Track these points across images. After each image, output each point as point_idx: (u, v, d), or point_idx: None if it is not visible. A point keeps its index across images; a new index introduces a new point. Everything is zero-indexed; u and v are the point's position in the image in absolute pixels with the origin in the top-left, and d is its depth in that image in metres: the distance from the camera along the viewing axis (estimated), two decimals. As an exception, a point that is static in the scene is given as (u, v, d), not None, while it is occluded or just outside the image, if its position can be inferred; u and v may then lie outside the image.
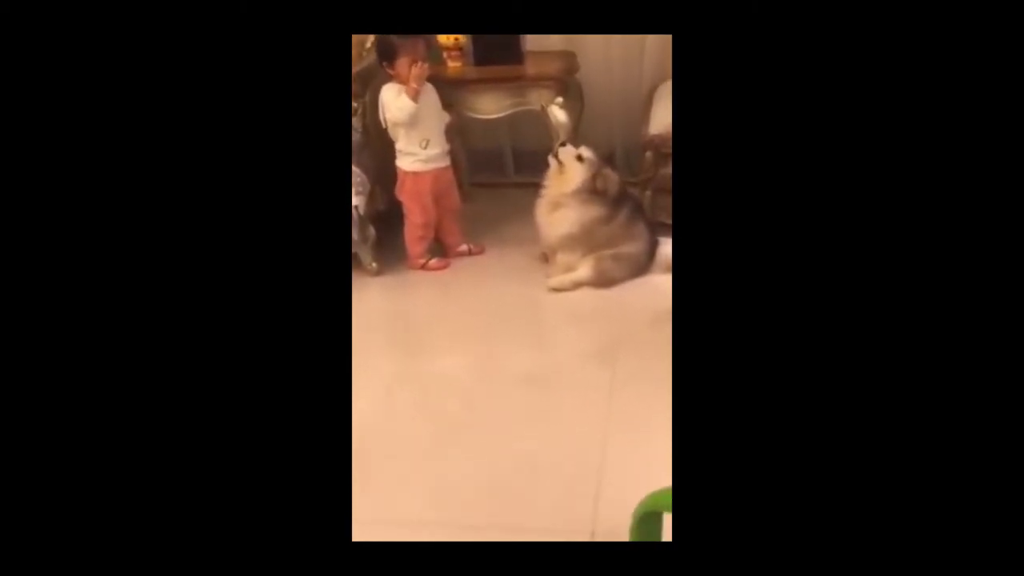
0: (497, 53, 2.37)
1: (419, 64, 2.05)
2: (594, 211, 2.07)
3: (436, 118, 2.21)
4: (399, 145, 2.20)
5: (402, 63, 2.07)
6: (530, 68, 2.42)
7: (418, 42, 2.12)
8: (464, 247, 2.34)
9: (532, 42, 2.49)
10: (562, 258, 2.14)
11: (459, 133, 2.56)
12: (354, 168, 2.13)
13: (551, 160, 2.12)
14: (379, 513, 1.31)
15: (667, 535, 0.96)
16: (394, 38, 2.11)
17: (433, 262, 2.27)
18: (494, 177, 2.83)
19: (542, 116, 2.36)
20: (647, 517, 0.95)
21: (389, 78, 2.12)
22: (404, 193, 2.24)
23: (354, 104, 2.20)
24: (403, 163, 2.22)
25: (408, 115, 2.10)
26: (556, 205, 2.11)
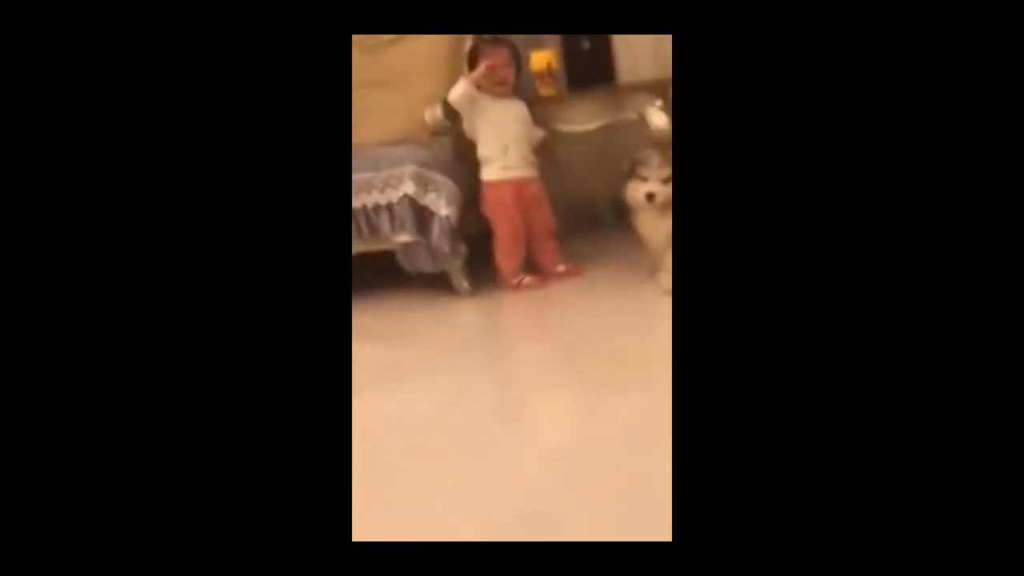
0: (590, 76, 2.33)
1: (483, 64, 2.15)
2: None
3: (520, 126, 2.22)
4: (479, 151, 2.22)
5: (479, 67, 2.16)
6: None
7: (501, 48, 2.21)
8: (561, 267, 2.28)
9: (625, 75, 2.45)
10: (671, 257, 1.95)
11: (554, 171, 2.55)
12: (445, 178, 2.15)
13: (643, 204, 2.01)
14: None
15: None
16: (481, 46, 2.25)
17: (527, 280, 2.22)
18: (591, 226, 2.82)
19: (639, 124, 2.28)
20: None
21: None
22: (488, 206, 2.23)
23: (448, 123, 2.27)
24: (485, 173, 2.23)
25: (461, 95, 2.14)
26: (663, 209, 2.00)
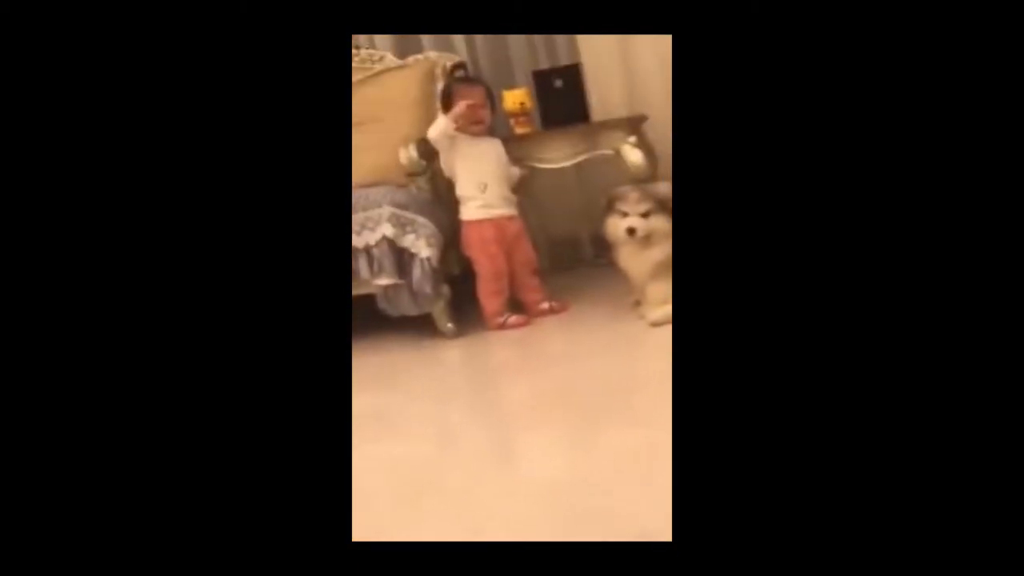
0: (564, 114, 2.34)
1: (463, 102, 2.14)
2: None
3: (496, 165, 2.22)
4: (458, 191, 2.21)
5: (458, 105, 2.14)
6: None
7: (475, 87, 2.23)
8: (546, 304, 2.25)
9: (597, 111, 2.48)
10: (655, 290, 1.98)
11: (534, 209, 2.56)
12: (424, 220, 2.12)
13: (624, 239, 2.00)
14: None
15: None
16: (454, 85, 2.25)
17: (513, 319, 2.18)
18: (572, 262, 2.82)
19: (616, 160, 2.29)
20: None
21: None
22: (469, 246, 2.21)
23: (424, 163, 2.25)
24: (464, 213, 2.21)
25: (440, 133, 2.13)
26: (644, 243, 1.99)
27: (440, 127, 2.14)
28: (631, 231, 1.98)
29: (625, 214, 1.99)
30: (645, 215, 1.98)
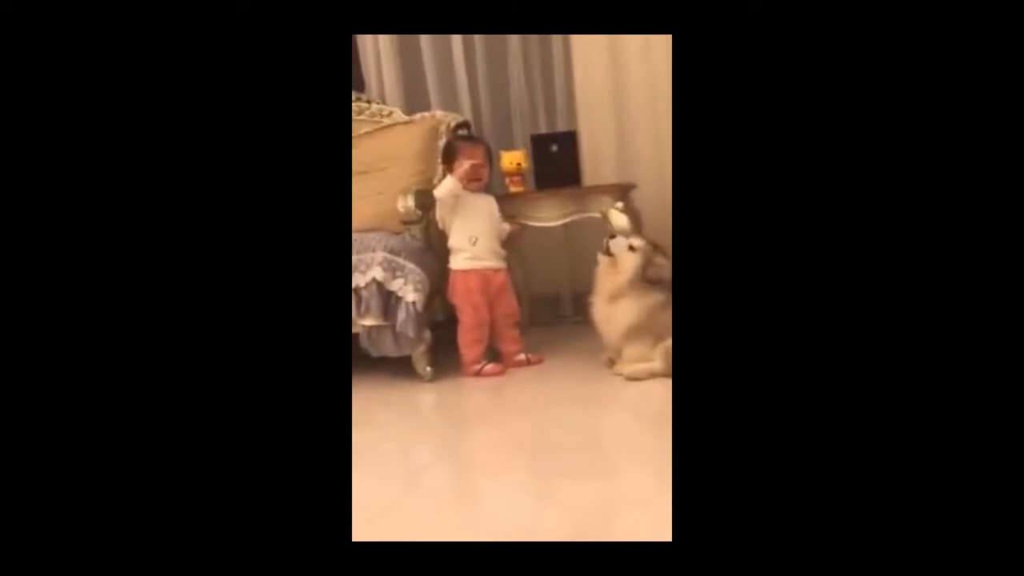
0: (557, 177, 2.46)
1: (468, 163, 2.24)
2: (653, 297, 2.03)
3: (488, 220, 2.32)
4: (450, 242, 2.30)
5: (460, 163, 2.25)
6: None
7: (478, 146, 2.34)
8: (522, 356, 2.32)
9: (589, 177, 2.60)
10: (631, 351, 2.05)
11: (520, 265, 2.66)
12: (414, 266, 2.21)
13: (600, 256, 2.13)
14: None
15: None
16: (456, 143, 2.36)
17: (488, 367, 2.25)
18: (552, 318, 2.92)
19: (603, 222, 2.39)
20: None
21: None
22: (455, 294, 2.30)
23: (419, 212, 2.36)
24: (453, 262, 2.30)
25: (448, 192, 2.23)
26: (613, 298, 2.08)
27: (448, 187, 2.25)
28: (608, 248, 2.10)
29: (609, 251, 2.11)
30: (630, 248, 2.08)
